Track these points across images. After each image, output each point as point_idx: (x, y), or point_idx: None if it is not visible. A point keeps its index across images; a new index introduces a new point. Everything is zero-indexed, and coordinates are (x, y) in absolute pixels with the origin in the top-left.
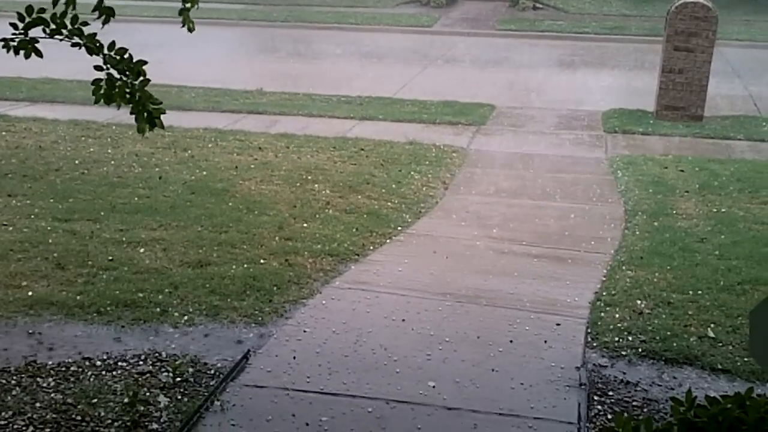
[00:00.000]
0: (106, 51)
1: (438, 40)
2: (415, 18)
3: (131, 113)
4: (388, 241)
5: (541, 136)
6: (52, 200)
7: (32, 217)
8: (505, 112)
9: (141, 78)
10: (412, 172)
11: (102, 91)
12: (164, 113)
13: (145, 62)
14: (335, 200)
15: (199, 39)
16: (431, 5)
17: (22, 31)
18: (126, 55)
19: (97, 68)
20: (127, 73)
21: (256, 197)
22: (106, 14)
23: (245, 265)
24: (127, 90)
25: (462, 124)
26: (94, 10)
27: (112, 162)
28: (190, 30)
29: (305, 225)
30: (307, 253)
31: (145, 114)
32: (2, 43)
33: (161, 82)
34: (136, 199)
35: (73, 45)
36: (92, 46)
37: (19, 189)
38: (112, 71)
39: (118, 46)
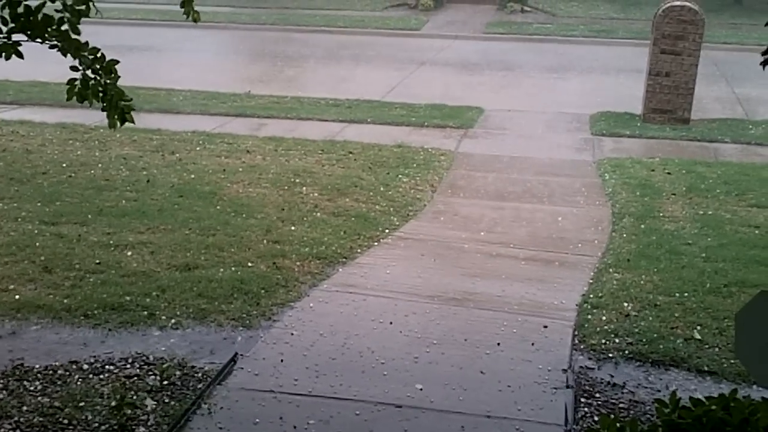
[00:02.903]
0: (81, 52)
1: (426, 43)
2: (404, 21)
3: (102, 110)
4: (376, 244)
5: (528, 138)
6: (39, 203)
7: (19, 220)
8: (493, 115)
9: (112, 75)
10: (400, 175)
11: (76, 90)
12: (134, 109)
13: (117, 61)
14: (323, 203)
15: (187, 42)
16: (419, 8)
17: (6, 36)
18: (99, 55)
19: (74, 69)
20: (100, 72)
21: (243, 200)
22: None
23: (233, 269)
24: (100, 88)
25: (450, 127)
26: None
27: (100, 165)
28: (195, 21)
29: (293, 228)
30: (294, 256)
31: (116, 110)
32: None
33: (149, 85)
34: (123, 202)
35: (52, 47)
36: (68, 48)
37: (6, 192)
38: (88, 71)
39: (102, 48)
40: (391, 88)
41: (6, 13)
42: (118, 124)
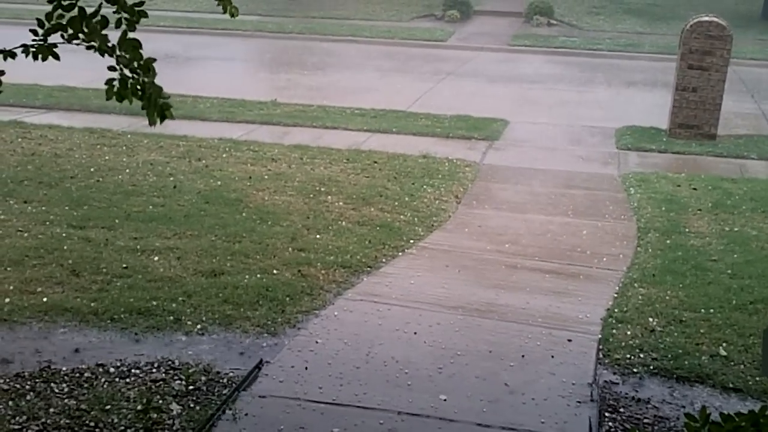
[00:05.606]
0: (118, 52)
1: (452, 54)
2: (430, 32)
3: (142, 108)
4: (400, 253)
5: (554, 151)
6: (67, 207)
7: (47, 223)
8: (518, 127)
9: (150, 72)
10: (425, 186)
11: (115, 90)
12: (172, 106)
13: (154, 59)
14: (348, 212)
15: (214, 49)
16: (446, 20)
17: (42, 38)
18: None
19: (111, 68)
20: (138, 70)
21: (269, 208)
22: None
23: (258, 275)
24: (138, 87)
25: (475, 139)
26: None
27: (127, 170)
28: (233, 15)
29: (318, 236)
30: (319, 264)
31: (156, 107)
32: (22, 48)
33: (176, 92)
34: (150, 207)
35: (88, 48)
36: (105, 47)
37: (35, 195)
38: (125, 71)
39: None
40: (416, 99)
41: (44, 15)
42: (159, 121)
